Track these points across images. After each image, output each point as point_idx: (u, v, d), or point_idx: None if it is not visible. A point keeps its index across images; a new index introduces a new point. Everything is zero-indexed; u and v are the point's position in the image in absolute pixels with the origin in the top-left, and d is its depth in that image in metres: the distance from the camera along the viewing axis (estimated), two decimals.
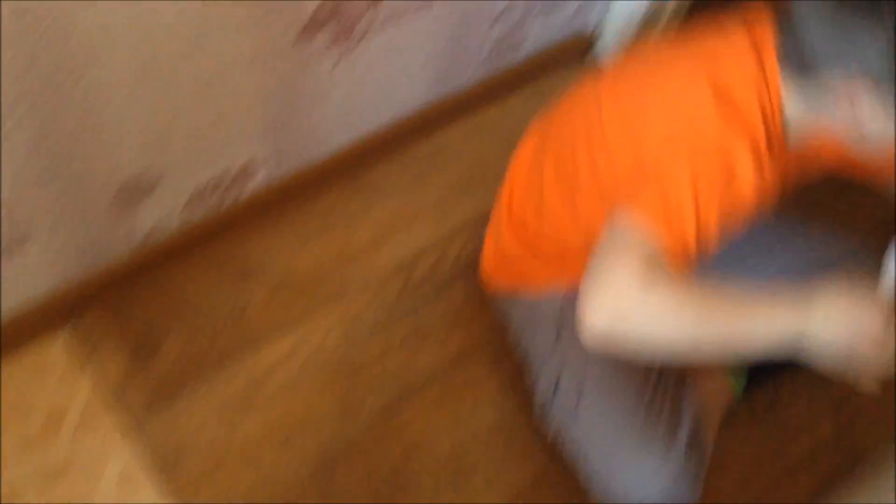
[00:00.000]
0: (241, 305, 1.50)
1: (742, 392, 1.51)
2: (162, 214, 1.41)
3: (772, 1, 1.09)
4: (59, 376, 1.39)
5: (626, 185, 1.06)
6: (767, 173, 1.03)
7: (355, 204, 1.64)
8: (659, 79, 1.10)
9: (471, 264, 1.60)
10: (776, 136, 1.04)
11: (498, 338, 1.55)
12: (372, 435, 1.43)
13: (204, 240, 1.52)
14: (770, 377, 1.56)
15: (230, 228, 1.54)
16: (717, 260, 1.22)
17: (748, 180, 1.01)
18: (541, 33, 1.74)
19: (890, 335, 0.99)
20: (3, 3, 0.92)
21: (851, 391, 1.59)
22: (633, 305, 0.98)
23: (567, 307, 1.28)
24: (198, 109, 1.27)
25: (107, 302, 1.45)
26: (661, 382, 1.28)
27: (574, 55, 1.86)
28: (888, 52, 0.93)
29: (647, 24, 1.77)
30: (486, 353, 1.54)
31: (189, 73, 1.19)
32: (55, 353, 1.41)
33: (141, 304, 1.47)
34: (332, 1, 1.25)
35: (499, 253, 1.40)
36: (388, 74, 1.51)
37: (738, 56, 1.04)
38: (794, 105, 1.04)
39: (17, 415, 1.35)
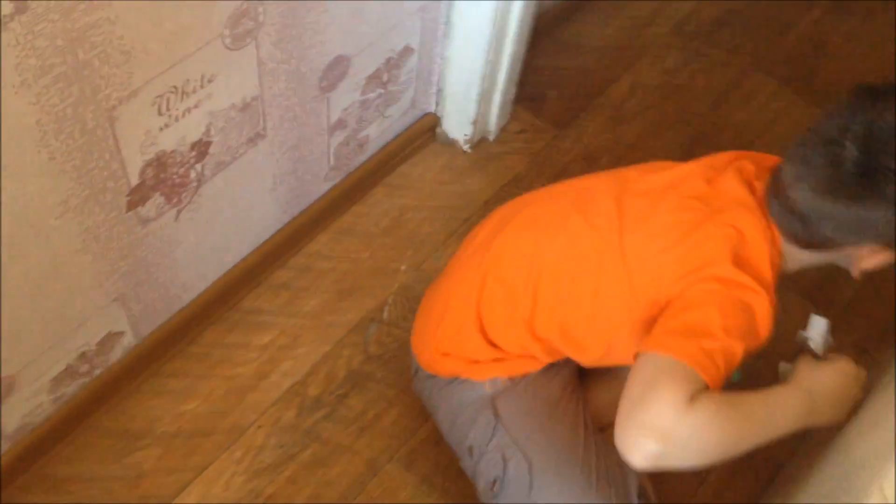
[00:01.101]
0: (136, 469, 1.46)
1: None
2: (27, 409, 1.37)
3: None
4: None
5: (644, 311, 1.17)
6: (774, 314, 1.15)
7: (232, 339, 1.62)
8: (678, 230, 1.19)
9: (361, 373, 1.61)
10: (778, 278, 1.18)
11: (408, 432, 1.55)
12: None
13: (82, 414, 1.47)
14: None
15: (107, 396, 1.50)
16: None
17: (766, 324, 1.12)
18: (383, 129, 1.77)
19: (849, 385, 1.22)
20: None
21: None
22: (681, 424, 1.02)
23: (502, 396, 1.34)
24: (38, 306, 1.24)
25: None
26: (601, 450, 1.31)
27: (423, 135, 1.89)
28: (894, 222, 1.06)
29: (485, 95, 1.81)
30: (397, 453, 1.53)
31: (19, 274, 1.17)
32: None
33: (31, 496, 1.42)
34: (153, 169, 1.25)
35: (452, 345, 1.38)
36: (237, 210, 1.51)
37: (752, 218, 1.16)
38: (795, 260, 1.19)
39: None
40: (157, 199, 1.31)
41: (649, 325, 1.16)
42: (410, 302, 1.68)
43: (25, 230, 1.13)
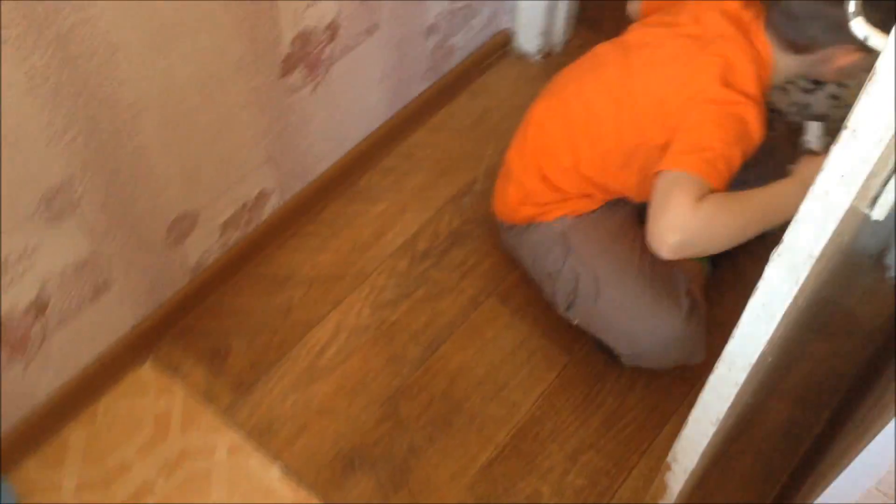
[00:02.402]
0: (286, 305, 1.81)
1: (711, 269, 1.84)
2: (205, 244, 1.73)
3: None
4: (154, 394, 1.68)
5: (658, 135, 1.45)
6: (764, 119, 1.45)
7: (353, 209, 1.97)
8: (675, 64, 1.49)
9: (460, 232, 1.94)
10: (767, 92, 1.47)
11: (501, 276, 1.87)
12: (420, 374, 1.73)
13: (241, 260, 1.83)
14: (727, 257, 1.89)
15: (260, 246, 1.86)
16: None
17: (757, 129, 1.42)
18: (466, 39, 2.11)
19: None
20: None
21: None
22: (693, 218, 1.35)
23: (571, 228, 1.65)
24: (216, 151, 1.60)
25: (177, 327, 1.75)
26: (656, 264, 1.62)
27: (498, 52, 2.23)
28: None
29: (551, 10, 2.14)
30: (494, 292, 1.85)
31: (204, 122, 1.53)
32: (146, 377, 1.70)
33: (204, 322, 1.77)
34: (300, 41, 1.60)
35: (523, 196, 1.70)
36: (355, 95, 1.86)
37: (740, 60, 1.44)
38: (783, 70, 1.47)
39: (130, 429, 1.63)
40: (301, 70, 1.66)
41: (664, 149, 1.46)
42: (496, 178, 2.00)
43: (213, 79, 1.49)
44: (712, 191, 1.38)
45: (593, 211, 1.66)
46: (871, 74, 0.63)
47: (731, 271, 1.90)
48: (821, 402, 1.74)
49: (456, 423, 1.68)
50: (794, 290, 0.84)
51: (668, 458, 1.19)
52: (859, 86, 1.61)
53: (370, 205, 1.98)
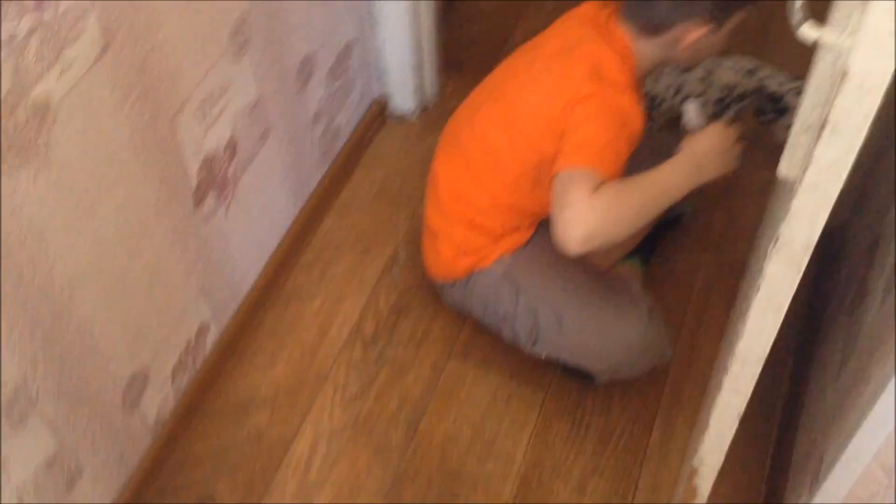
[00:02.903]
0: (255, 431, 1.76)
1: (644, 268, 1.92)
2: (160, 397, 1.67)
3: None
4: None
5: (551, 146, 1.50)
6: (640, 103, 1.53)
7: (290, 313, 1.94)
8: (548, 76, 1.56)
9: (400, 305, 1.94)
10: (637, 80, 1.55)
11: (454, 335, 1.89)
12: (410, 457, 1.72)
13: (198, 400, 1.77)
14: (651, 254, 1.98)
15: (212, 381, 1.80)
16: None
17: (636, 114, 1.51)
18: (348, 116, 2.14)
19: (724, 138, 1.56)
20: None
21: (712, 235, 2.05)
22: (591, 209, 1.41)
23: (512, 268, 1.69)
24: (153, 300, 1.56)
25: (155, 488, 1.67)
26: (604, 277, 1.68)
27: (378, 120, 2.27)
28: (713, 1, 1.45)
29: (418, 68, 2.19)
30: (453, 352, 1.87)
31: (137, 275, 1.49)
32: None
33: (181, 474, 1.70)
34: (205, 170, 1.59)
35: (455, 249, 1.73)
36: (264, 202, 1.85)
37: (603, 55, 1.52)
38: (645, 57, 1.55)
39: None
40: (213, 195, 1.64)
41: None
42: (417, 241, 2.01)
43: (137, 229, 1.45)
44: (605, 181, 1.45)
45: (527, 242, 1.71)
46: (843, 75, 0.69)
47: (661, 266, 1.99)
48: (778, 359, 1.84)
49: (461, 493, 1.68)
50: (797, 280, 0.89)
51: (694, 462, 1.23)
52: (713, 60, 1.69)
53: (305, 304, 1.96)
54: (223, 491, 1.68)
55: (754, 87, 1.99)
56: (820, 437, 1.36)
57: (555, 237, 1.45)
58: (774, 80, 2.00)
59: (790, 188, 0.99)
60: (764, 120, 2.00)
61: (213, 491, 1.68)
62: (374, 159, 2.23)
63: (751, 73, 2.01)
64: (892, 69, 0.68)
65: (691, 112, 1.70)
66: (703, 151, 1.54)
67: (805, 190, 0.80)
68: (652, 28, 1.52)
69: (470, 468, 1.71)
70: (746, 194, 2.12)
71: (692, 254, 2.03)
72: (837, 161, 0.76)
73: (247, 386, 1.83)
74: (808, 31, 0.79)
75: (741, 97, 2.00)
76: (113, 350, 1.49)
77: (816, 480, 1.26)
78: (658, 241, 1.98)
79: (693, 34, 1.50)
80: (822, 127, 0.74)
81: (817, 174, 0.77)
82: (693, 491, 1.29)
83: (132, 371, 1.56)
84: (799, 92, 1.92)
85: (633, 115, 1.51)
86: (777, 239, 0.86)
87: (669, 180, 1.51)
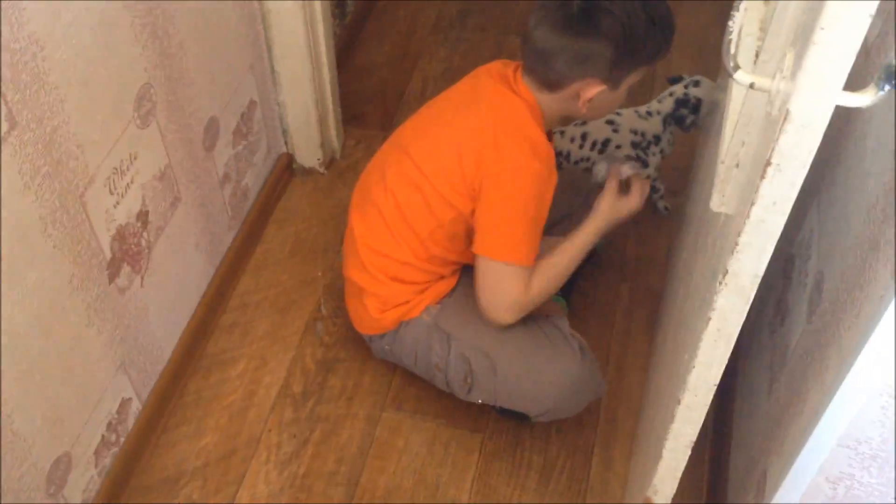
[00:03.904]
0: (188, 501, 1.69)
1: (566, 305, 1.95)
2: (84, 480, 1.59)
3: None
4: None
5: (466, 204, 1.57)
6: (551, 155, 1.57)
7: (213, 379, 1.88)
8: (458, 129, 1.58)
9: (328, 360, 1.91)
10: (546, 130, 1.59)
11: (385, 385, 1.87)
12: None
13: (124, 479, 1.69)
14: (571, 290, 2.01)
15: (137, 457, 1.73)
16: None
17: (550, 165, 1.55)
18: (255, 175, 2.10)
19: (623, 199, 1.69)
20: None
21: (626, 265, 2.10)
22: (526, 297, 1.60)
23: (440, 318, 1.69)
24: (72, 382, 1.49)
25: None
26: (533, 321, 1.70)
27: (285, 176, 2.24)
28: (610, 61, 1.47)
29: (322, 121, 2.19)
30: (386, 403, 1.85)
31: (54, 358, 1.42)
32: None
33: None
34: (118, 240, 1.53)
35: (381, 303, 1.71)
36: (178, 270, 1.79)
37: (513, 103, 1.55)
38: (550, 108, 1.57)
39: None
40: (126, 267, 1.58)
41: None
42: (338, 294, 2.00)
43: (51, 310, 1.38)
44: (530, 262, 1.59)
45: (453, 290, 1.71)
46: (786, 116, 0.72)
47: (582, 300, 2.03)
48: None
49: None
50: (745, 311, 0.93)
51: (648, 493, 1.25)
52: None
53: (229, 368, 1.90)
54: None
55: (664, 116, 2.04)
56: (758, 453, 1.40)
57: (485, 313, 1.62)
58: (675, 92, 2.05)
59: (727, 221, 1.03)
60: (689, 125, 2.05)
61: None
62: (284, 214, 2.20)
63: (649, 114, 2.07)
64: (832, 107, 0.72)
65: (599, 168, 1.77)
66: (617, 208, 1.67)
67: (752, 226, 0.83)
68: (551, 84, 1.53)
69: None
70: (654, 223, 2.19)
71: (610, 286, 2.08)
72: (782, 197, 0.79)
73: (175, 458, 1.76)
74: (742, 77, 0.82)
75: (656, 138, 2.05)
76: (33, 439, 1.41)
77: (762, 495, 1.30)
78: (575, 276, 2.02)
79: (591, 91, 1.51)
80: (767, 166, 0.77)
81: (763, 211, 0.81)
82: None
83: (55, 456, 1.48)
84: (697, 83, 2.02)
85: (549, 168, 1.54)
86: (725, 273, 0.89)
87: (586, 241, 1.66)
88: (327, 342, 1.95)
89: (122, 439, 1.69)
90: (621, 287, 2.08)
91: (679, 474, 1.19)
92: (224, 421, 1.82)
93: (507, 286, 1.59)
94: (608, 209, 1.66)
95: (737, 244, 0.86)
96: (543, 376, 1.65)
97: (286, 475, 1.74)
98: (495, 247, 1.56)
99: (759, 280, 0.89)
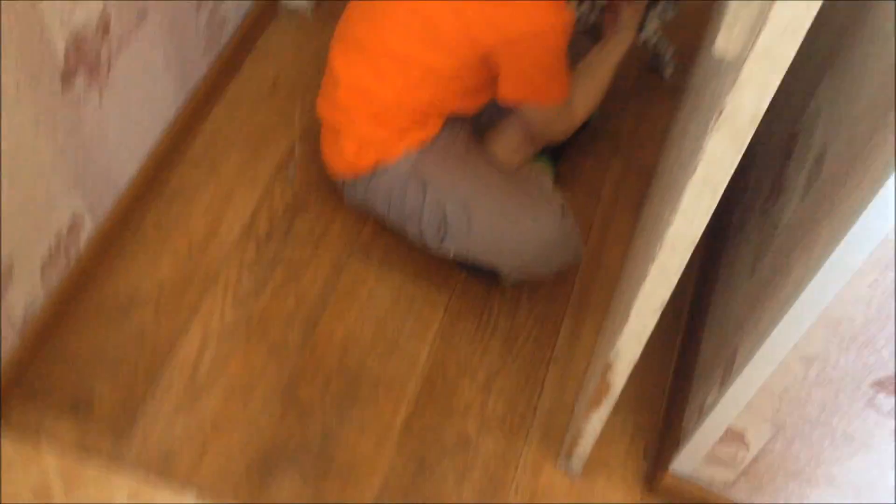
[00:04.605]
0: (137, 330, 1.64)
1: (553, 169, 1.86)
2: (28, 293, 1.52)
3: None
4: (21, 467, 1.47)
5: (474, 56, 1.49)
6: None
7: (175, 211, 1.80)
8: None
9: (297, 203, 1.83)
10: None
11: (354, 234, 1.79)
12: (308, 357, 1.64)
13: (72, 298, 1.63)
14: (560, 155, 1.92)
15: (88, 278, 1.66)
16: None
17: (566, 19, 1.46)
18: (237, 6, 1.97)
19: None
20: None
21: (620, 140, 2.00)
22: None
23: (419, 163, 1.60)
24: (16, 187, 1.39)
25: (21, 389, 1.54)
26: (516, 172, 1.62)
27: (269, 13, 2.11)
28: None
29: None
30: (353, 252, 1.78)
31: None
32: (6, 453, 1.48)
33: (53, 374, 1.57)
34: (74, 44, 1.41)
35: (358, 143, 1.63)
36: (143, 90, 1.68)
37: None
38: None
39: None
40: (83, 77, 1.46)
41: (483, 60, 1.49)
42: (313, 138, 1.89)
43: None
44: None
45: (435, 138, 1.62)
46: None
47: (570, 170, 1.93)
48: None
49: (361, 394, 1.61)
50: (737, 158, 0.84)
51: (610, 356, 1.19)
52: None
53: (192, 201, 1.82)
54: (102, 391, 1.56)
55: None
56: (732, 331, 1.34)
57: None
58: None
59: (729, 67, 0.92)
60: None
61: (91, 390, 1.56)
62: (265, 54, 2.07)
63: None
64: None
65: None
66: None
67: (756, 56, 0.73)
68: None
69: (371, 368, 1.64)
70: (653, 100, 2.08)
71: (601, 158, 1.99)
72: (792, 24, 0.69)
73: (128, 285, 1.69)
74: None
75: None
76: None
77: (729, 374, 1.24)
78: (565, 145, 1.92)
79: None
80: None
81: (770, 39, 0.71)
82: (606, 387, 1.25)
83: None
84: None
85: (566, 22, 1.47)
86: (720, 112, 0.80)
87: (619, 50, 1.73)
88: (297, 186, 1.86)
89: (73, 258, 1.62)
90: (613, 161, 1.98)
91: (644, 339, 1.13)
92: (183, 253, 1.74)
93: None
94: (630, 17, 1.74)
95: (738, 78, 0.76)
96: (519, 228, 1.57)
97: (242, 312, 1.68)
98: (538, 93, 1.56)
99: (756, 122, 0.79)
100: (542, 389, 1.65)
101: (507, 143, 1.71)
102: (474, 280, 1.75)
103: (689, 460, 1.43)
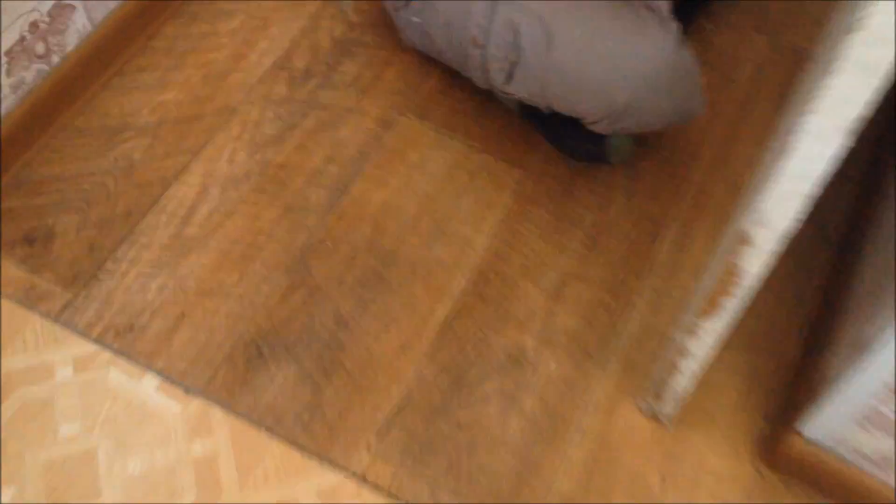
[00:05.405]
0: (125, 163, 1.28)
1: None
2: None
3: None
4: None
5: None
6: None
7: (196, 30, 1.44)
8: None
9: (347, 41, 1.45)
10: None
11: (412, 87, 1.40)
12: (332, 224, 1.26)
13: (49, 110, 1.28)
14: (689, 25, 1.49)
15: (73, 94, 1.31)
16: None
17: None
18: None
19: None
20: None
21: (770, 15, 1.56)
22: None
23: None
24: None
25: None
26: None
27: None
28: None
29: None
30: (406, 107, 1.38)
31: None
32: None
33: (7, 202, 1.23)
34: None
35: None
36: None
37: None
38: None
39: None
40: None
41: None
42: None
43: None
44: None
45: None
46: None
47: (702, 41, 1.51)
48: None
49: (393, 279, 1.23)
50: None
51: (747, 225, 0.78)
52: None
53: (219, 22, 1.45)
54: (65, 228, 1.22)
55: None
56: None
57: None
58: None
59: None
60: None
61: (51, 227, 1.22)
62: None
63: None
64: None
65: None
66: None
67: None
68: None
69: (410, 249, 1.25)
70: None
71: (741, 33, 1.54)
72: None
73: (122, 106, 1.34)
74: None
75: None
76: None
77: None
78: (697, 11, 1.50)
79: None
80: None
81: None
82: (733, 278, 0.84)
83: None
84: None
85: None
86: None
87: None
88: (353, 20, 1.48)
89: (57, 57, 1.27)
90: (756, 39, 1.54)
91: (795, 211, 0.71)
92: (197, 80, 1.38)
93: None
94: None
95: None
96: (617, 55, 1.15)
97: (258, 159, 1.31)
98: None
99: None
100: (632, 307, 1.24)
101: None
102: (558, 159, 1.35)
103: (832, 421, 1.01)
